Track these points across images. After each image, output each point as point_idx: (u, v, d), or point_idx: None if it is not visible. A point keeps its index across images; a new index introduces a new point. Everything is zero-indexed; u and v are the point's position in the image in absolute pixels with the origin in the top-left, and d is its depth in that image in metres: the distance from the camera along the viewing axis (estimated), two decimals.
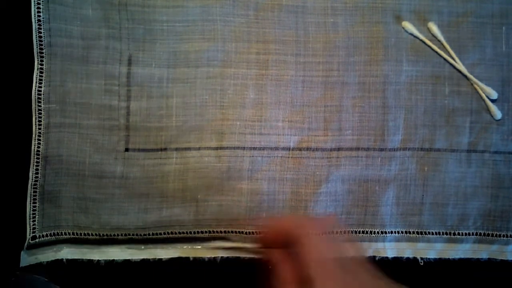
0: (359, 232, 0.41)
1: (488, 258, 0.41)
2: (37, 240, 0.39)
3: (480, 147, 0.42)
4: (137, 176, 0.40)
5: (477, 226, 0.41)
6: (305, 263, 0.30)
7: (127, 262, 0.40)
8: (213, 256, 0.40)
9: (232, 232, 0.40)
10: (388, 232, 0.41)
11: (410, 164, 0.41)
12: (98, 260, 0.40)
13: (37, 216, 0.39)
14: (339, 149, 0.41)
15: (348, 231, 0.41)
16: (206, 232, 0.40)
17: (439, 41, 0.42)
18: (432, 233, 0.41)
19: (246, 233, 0.40)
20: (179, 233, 0.40)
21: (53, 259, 0.39)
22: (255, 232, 0.41)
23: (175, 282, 0.40)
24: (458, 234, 0.41)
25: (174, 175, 0.40)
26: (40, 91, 0.40)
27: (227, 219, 0.40)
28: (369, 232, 0.41)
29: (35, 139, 0.39)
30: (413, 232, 0.41)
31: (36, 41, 0.40)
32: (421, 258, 0.41)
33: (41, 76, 0.40)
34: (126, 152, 0.40)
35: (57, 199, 0.40)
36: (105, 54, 0.40)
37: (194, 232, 0.40)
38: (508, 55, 0.42)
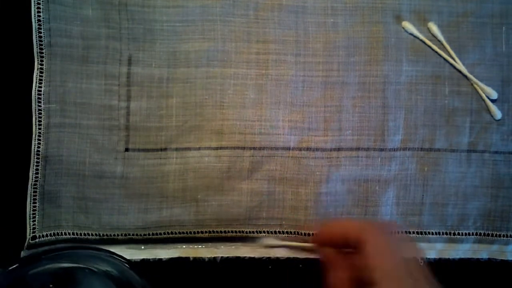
0: None
1: (488, 258, 0.41)
2: (37, 240, 0.39)
3: (480, 147, 0.42)
4: (137, 176, 0.40)
5: (477, 226, 0.41)
6: (369, 266, 0.30)
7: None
8: (213, 256, 0.40)
9: (232, 232, 0.40)
10: None
11: (410, 164, 0.41)
12: None
13: (37, 216, 0.39)
14: (339, 149, 0.41)
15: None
16: (206, 232, 0.40)
17: (439, 41, 0.42)
18: (432, 233, 0.41)
19: (246, 232, 0.40)
20: (179, 233, 0.40)
21: None
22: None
23: (175, 282, 0.40)
24: (458, 234, 0.41)
25: (174, 175, 0.40)
26: (40, 91, 0.40)
27: (227, 219, 0.40)
28: None
29: (35, 139, 0.39)
30: (413, 232, 0.41)
31: (36, 41, 0.40)
32: (421, 258, 0.41)
33: (41, 76, 0.40)
34: (126, 152, 0.40)
35: (57, 199, 0.40)
36: (105, 54, 0.40)
37: (194, 232, 0.40)
38: (508, 55, 0.42)
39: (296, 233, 0.41)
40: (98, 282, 0.34)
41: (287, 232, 0.41)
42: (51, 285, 0.33)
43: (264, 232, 0.41)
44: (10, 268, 0.33)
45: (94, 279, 0.34)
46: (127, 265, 0.35)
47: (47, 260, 0.34)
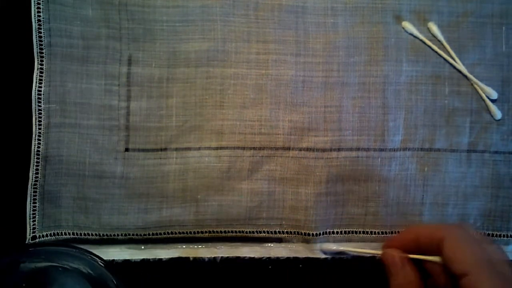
0: (360, 233, 0.41)
1: None
2: (37, 240, 0.39)
3: (480, 147, 0.42)
4: (137, 176, 0.40)
5: (477, 226, 0.41)
6: (451, 259, 0.30)
7: (127, 262, 0.40)
8: (213, 256, 0.40)
9: (232, 232, 0.40)
10: (389, 232, 0.41)
11: (410, 164, 0.41)
12: None
13: (37, 216, 0.39)
14: (339, 149, 0.41)
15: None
16: (206, 232, 0.40)
17: (439, 41, 0.42)
18: None
19: (246, 232, 0.40)
20: (179, 233, 0.40)
21: None
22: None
23: (175, 282, 0.40)
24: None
25: (174, 175, 0.40)
26: (40, 91, 0.40)
27: (227, 219, 0.40)
28: (369, 232, 0.41)
29: (35, 139, 0.39)
30: None
31: (36, 41, 0.40)
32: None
33: (41, 76, 0.40)
34: (126, 152, 0.40)
35: (57, 199, 0.40)
36: (105, 54, 0.40)
37: (194, 232, 0.40)
38: (508, 55, 0.42)
39: (296, 233, 0.41)
40: (71, 280, 0.34)
41: (287, 232, 0.41)
42: (24, 285, 0.33)
43: (264, 232, 0.41)
44: None
45: (68, 276, 0.34)
46: (100, 263, 0.35)
47: (21, 257, 0.34)
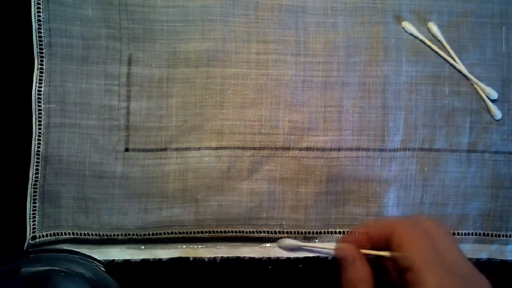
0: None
1: (488, 258, 0.41)
2: (37, 240, 0.39)
3: (480, 147, 0.42)
4: (137, 176, 0.40)
5: (476, 226, 0.42)
6: (400, 257, 0.30)
7: (127, 262, 0.40)
8: (213, 256, 0.40)
9: (232, 232, 0.40)
10: None
11: (410, 164, 0.41)
12: None
13: (37, 216, 0.39)
14: (339, 149, 0.41)
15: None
16: (206, 232, 0.40)
17: (439, 41, 0.41)
18: None
19: (246, 232, 0.40)
20: (179, 233, 0.40)
21: None
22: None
23: (175, 282, 0.40)
24: (458, 234, 0.41)
25: (174, 175, 0.40)
26: (40, 91, 0.40)
27: (227, 219, 0.40)
28: None
29: (35, 139, 0.39)
30: None
31: (36, 41, 0.40)
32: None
33: (41, 76, 0.40)
34: (126, 152, 0.40)
35: (57, 199, 0.40)
36: (105, 54, 0.40)
37: (194, 232, 0.40)
38: (508, 55, 0.42)
39: (296, 233, 0.41)
40: (73, 284, 0.34)
41: (287, 232, 0.41)
42: None
43: (264, 232, 0.41)
44: None
45: (69, 281, 0.34)
46: (102, 268, 0.35)
47: (22, 262, 0.34)
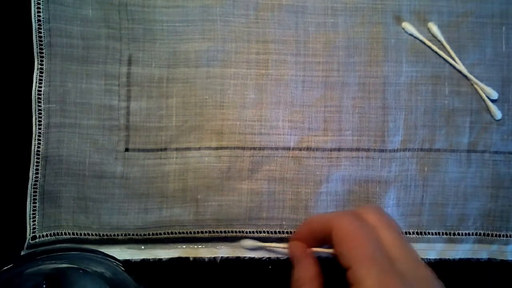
0: None
1: (488, 258, 0.41)
2: (37, 240, 0.39)
3: (480, 147, 0.42)
4: (137, 176, 0.40)
5: (476, 226, 0.41)
6: (338, 253, 0.29)
7: (127, 262, 0.40)
8: (213, 256, 0.40)
9: (232, 232, 0.40)
10: None
11: (410, 165, 0.41)
12: None
13: (37, 216, 0.39)
14: (339, 149, 0.41)
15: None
16: (206, 232, 0.40)
17: (439, 41, 0.41)
18: (432, 234, 0.41)
19: (246, 232, 0.40)
20: (179, 233, 0.40)
21: None
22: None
23: (175, 282, 0.40)
24: (458, 234, 0.41)
25: (174, 175, 0.40)
26: (40, 91, 0.40)
27: (227, 219, 0.40)
28: None
29: (35, 139, 0.39)
30: (413, 233, 0.41)
31: (36, 41, 0.40)
32: (422, 259, 0.41)
33: (41, 76, 0.40)
34: (126, 152, 0.40)
35: (57, 199, 0.40)
36: (105, 54, 0.40)
37: (194, 232, 0.40)
38: (508, 55, 0.42)
39: None
40: (91, 282, 0.34)
41: (287, 232, 0.41)
42: (44, 285, 0.33)
43: (264, 232, 0.41)
44: (4, 268, 0.33)
45: (88, 279, 0.34)
46: (122, 268, 0.35)
47: (42, 260, 0.34)
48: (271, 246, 0.40)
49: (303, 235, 0.34)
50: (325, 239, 0.32)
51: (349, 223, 0.30)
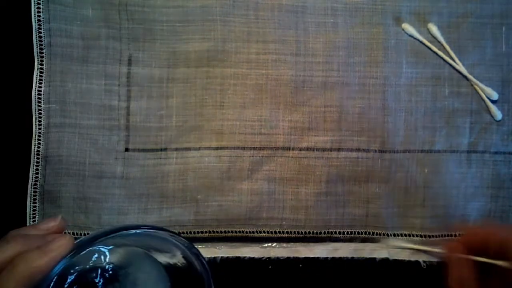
0: (362, 233, 0.41)
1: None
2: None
3: (480, 147, 0.42)
4: (137, 176, 0.40)
5: None
6: None
7: None
8: (213, 256, 0.40)
9: (232, 232, 0.40)
10: (390, 234, 0.41)
11: (410, 165, 0.41)
12: None
13: (37, 216, 0.39)
14: (339, 149, 0.41)
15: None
16: (206, 232, 0.40)
17: (439, 42, 0.41)
18: (433, 235, 0.41)
19: (246, 232, 0.40)
20: (179, 233, 0.40)
21: None
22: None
23: None
24: (459, 235, 0.41)
25: (174, 175, 0.40)
26: (40, 91, 0.40)
27: (227, 219, 0.40)
28: (371, 233, 0.41)
29: (35, 139, 0.39)
30: (414, 235, 0.41)
31: (36, 41, 0.40)
32: (423, 261, 0.41)
33: (41, 76, 0.40)
34: (126, 152, 0.40)
35: (57, 199, 0.40)
36: (105, 54, 0.40)
37: (194, 232, 0.40)
38: (508, 56, 0.42)
39: (296, 233, 0.41)
40: (149, 264, 0.32)
41: (287, 232, 0.41)
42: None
43: (264, 232, 0.41)
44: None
45: (146, 262, 0.32)
46: (203, 259, 0.32)
47: (113, 238, 0.31)
48: (421, 249, 0.40)
49: (467, 243, 0.34)
50: (497, 251, 0.32)
51: None
